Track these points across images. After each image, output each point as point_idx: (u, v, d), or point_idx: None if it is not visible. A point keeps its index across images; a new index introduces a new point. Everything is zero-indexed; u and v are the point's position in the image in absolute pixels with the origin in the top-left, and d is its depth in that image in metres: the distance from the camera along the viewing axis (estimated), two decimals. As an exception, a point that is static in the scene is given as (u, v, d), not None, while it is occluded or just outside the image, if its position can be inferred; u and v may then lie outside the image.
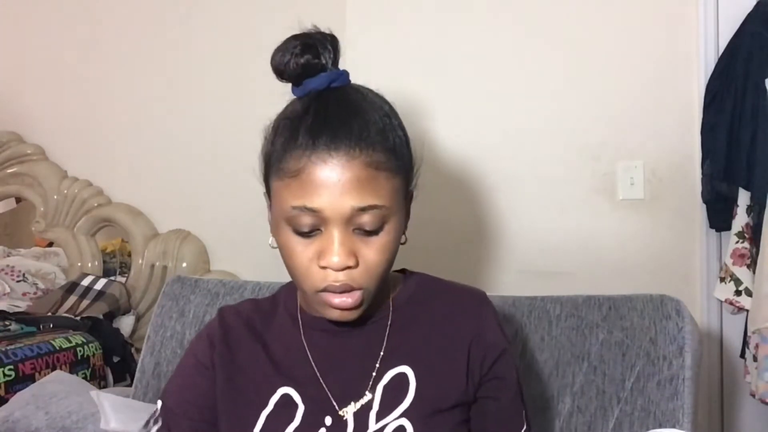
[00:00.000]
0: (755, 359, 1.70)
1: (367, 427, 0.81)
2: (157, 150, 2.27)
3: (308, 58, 0.81)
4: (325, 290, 0.78)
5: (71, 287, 2.16)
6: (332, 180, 0.75)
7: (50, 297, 2.16)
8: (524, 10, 2.01)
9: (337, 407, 0.83)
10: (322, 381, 0.84)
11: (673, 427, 1.06)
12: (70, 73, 2.36)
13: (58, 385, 1.24)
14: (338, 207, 0.75)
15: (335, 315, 0.80)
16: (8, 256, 2.42)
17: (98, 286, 2.15)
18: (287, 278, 1.46)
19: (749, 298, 1.76)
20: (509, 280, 1.99)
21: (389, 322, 0.87)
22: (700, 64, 1.91)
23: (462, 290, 0.92)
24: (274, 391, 0.84)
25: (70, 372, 1.66)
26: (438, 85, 2.04)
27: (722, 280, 1.83)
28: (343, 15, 2.10)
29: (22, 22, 2.42)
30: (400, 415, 0.81)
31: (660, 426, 1.07)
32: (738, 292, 1.80)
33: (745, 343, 1.78)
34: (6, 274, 2.26)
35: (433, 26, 2.06)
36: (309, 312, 0.88)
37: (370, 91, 0.85)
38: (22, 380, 1.52)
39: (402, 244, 0.84)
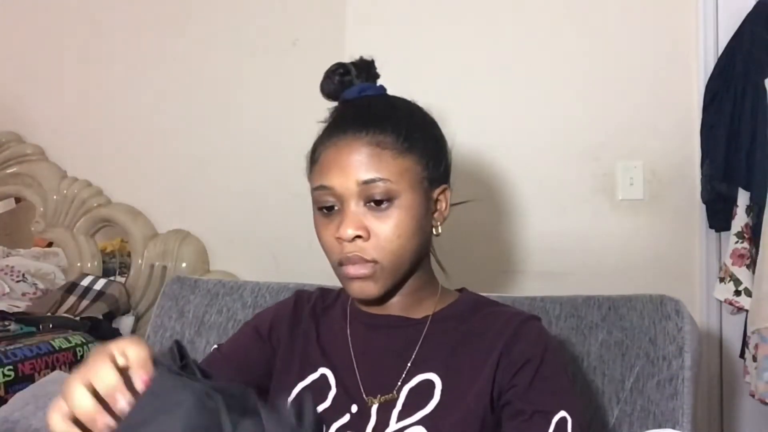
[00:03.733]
0: (755, 359, 1.70)
1: (387, 425, 0.85)
2: (157, 150, 2.27)
3: (341, 76, 0.95)
4: (342, 263, 0.88)
5: (71, 287, 2.16)
6: (340, 159, 0.87)
7: (50, 297, 2.15)
8: (523, 13, 2.01)
9: (365, 396, 0.88)
10: (356, 370, 0.91)
11: (673, 427, 1.06)
12: (70, 73, 2.35)
13: (58, 386, 1.22)
14: (346, 183, 0.86)
15: (355, 288, 0.88)
16: (8, 256, 2.42)
17: (98, 286, 2.15)
18: (286, 279, 1.46)
19: (749, 299, 1.76)
20: (509, 280, 1.99)
21: (425, 330, 0.92)
22: (699, 64, 1.91)
23: (509, 311, 0.94)
24: (315, 370, 0.92)
25: (70, 372, 1.65)
26: (436, 86, 2.04)
27: (722, 280, 1.83)
28: (343, 14, 2.10)
29: (22, 22, 2.42)
30: (418, 421, 0.84)
31: (659, 426, 1.07)
32: (737, 293, 1.80)
33: (745, 343, 1.78)
34: (5, 274, 2.26)
35: (432, 28, 2.06)
36: (356, 306, 0.97)
37: (403, 98, 0.97)
38: (21, 380, 1.52)
39: (436, 235, 0.95)
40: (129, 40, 2.30)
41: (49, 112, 2.38)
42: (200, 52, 2.24)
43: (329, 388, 0.90)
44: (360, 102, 0.94)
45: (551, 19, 1.99)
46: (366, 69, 0.97)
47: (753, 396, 1.73)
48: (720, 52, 1.87)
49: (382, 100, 0.95)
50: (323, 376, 0.92)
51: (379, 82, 0.98)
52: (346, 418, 0.87)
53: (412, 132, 0.90)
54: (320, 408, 0.88)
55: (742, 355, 1.82)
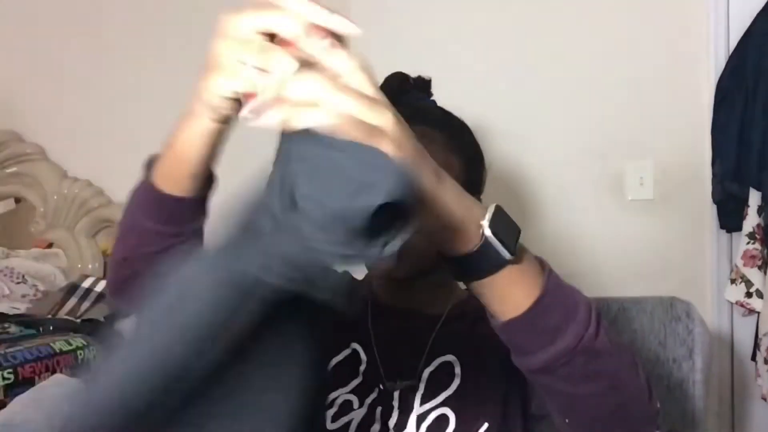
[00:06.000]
0: (766, 362, 1.70)
1: (412, 408, 0.89)
2: (157, 150, 2.26)
3: (400, 82, 1.04)
4: None
5: (71, 289, 2.14)
6: None
7: (50, 299, 2.14)
8: (530, 12, 1.99)
9: (384, 379, 0.92)
10: (376, 353, 0.95)
11: (682, 430, 1.05)
12: (70, 73, 2.34)
13: (58, 389, 1.23)
14: None
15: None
16: (7, 257, 2.40)
17: (99, 288, 2.13)
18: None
19: (760, 300, 1.75)
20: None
21: (443, 317, 0.98)
22: (710, 62, 1.89)
23: None
24: (348, 346, 0.96)
25: (71, 376, 1.64)
26: (442, 85, 2.02)
27: (733, 281, 1.82)
28: (346, 15, 2.08)
29: (22, 21, 2.41)
30: (442, 403, 0.87)
31: (669, 429, 1.07)
32: (749, 294, 1.78)
33: (756, 345, 1.77)
34: (5, 275, 2.24)
35: (435, 29, 2.05)
36: (377, 298, 1.02)
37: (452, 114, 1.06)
38: (21, 384, 1.50)
39: None
40: (130, 40, 2.29)
41: (49, 111, 2.37)
42: (201, 52, 2.22)
43: (360, 362, 0.94)
44: (415, 104, 1.02)
45: (559, 18, 1.97)
46: (423, 85, 1.09)
47: (765, 399, 1.73)
48: (731, 51, 1.86)
49: (437, 108, 1.05)
50: (355, 351, 0.96)
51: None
52: (375, 393, 0.91)
53: (461, 137, 0.99)
54: (353, 383, 0.92)
55: (753, 357, 1.81)
